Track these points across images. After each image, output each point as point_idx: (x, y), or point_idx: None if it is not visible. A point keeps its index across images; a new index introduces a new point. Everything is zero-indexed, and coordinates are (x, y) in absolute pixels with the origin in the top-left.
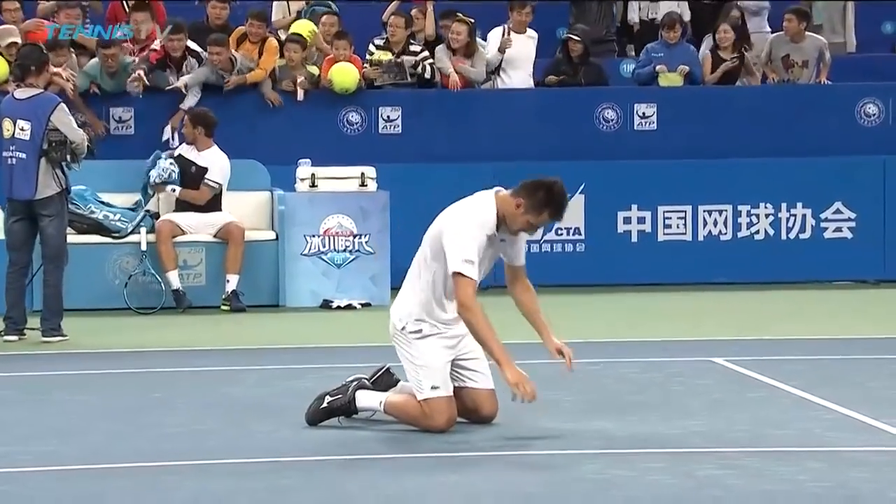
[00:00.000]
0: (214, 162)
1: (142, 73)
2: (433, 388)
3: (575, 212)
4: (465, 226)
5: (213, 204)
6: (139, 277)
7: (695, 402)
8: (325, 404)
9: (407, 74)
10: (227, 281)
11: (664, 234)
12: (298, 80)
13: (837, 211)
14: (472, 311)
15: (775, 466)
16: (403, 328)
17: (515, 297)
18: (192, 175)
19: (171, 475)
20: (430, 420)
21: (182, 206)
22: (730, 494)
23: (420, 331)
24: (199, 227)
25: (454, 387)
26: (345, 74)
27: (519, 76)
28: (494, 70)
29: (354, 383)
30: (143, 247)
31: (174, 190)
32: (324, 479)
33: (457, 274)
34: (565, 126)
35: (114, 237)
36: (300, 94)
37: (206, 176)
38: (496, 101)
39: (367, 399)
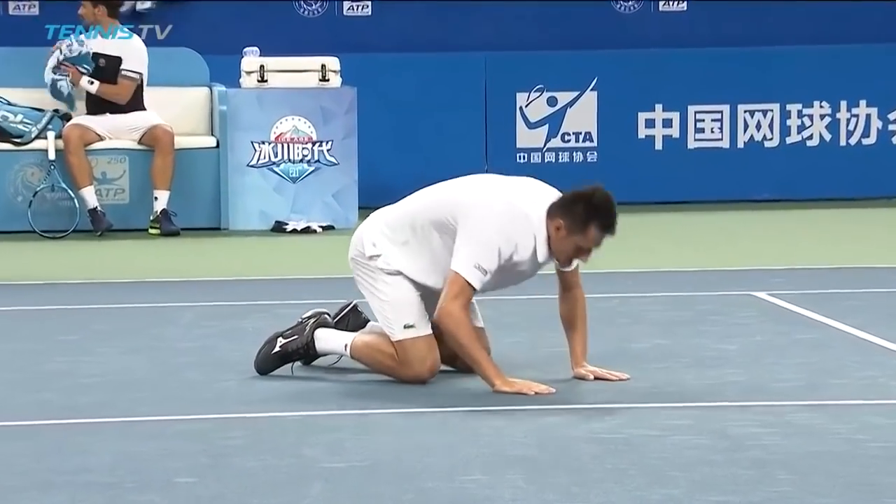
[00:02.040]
0: (127, 48)
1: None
2: (406, 326)
3: (586, 112)
4: (492, 231)
5: (135, 101)
6: (47, 193)
7: (731, 346)
8: (277, 348)
9: None
10: (156, 198)
11: (695, 139)
12: None
13: None
14: (458, 321)
15: (829, 423)
16: (373, 257)
17: (560, 305)
18: (100, 70)
19: (86, 435)
20: (407, 367)
21: (96, 106)
22: (772, 457)
23: (390, 265)
24: (118, 131)
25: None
26: None
27: None
28: None
29: (313, 321)
30: (52, 155)
31: (91, 83)
32: (277, 441)
33: (457, 275)
34: (574, 6)
35: (15, 143)
36: None
37: (123, 67)
38: None
39: (330, 340)
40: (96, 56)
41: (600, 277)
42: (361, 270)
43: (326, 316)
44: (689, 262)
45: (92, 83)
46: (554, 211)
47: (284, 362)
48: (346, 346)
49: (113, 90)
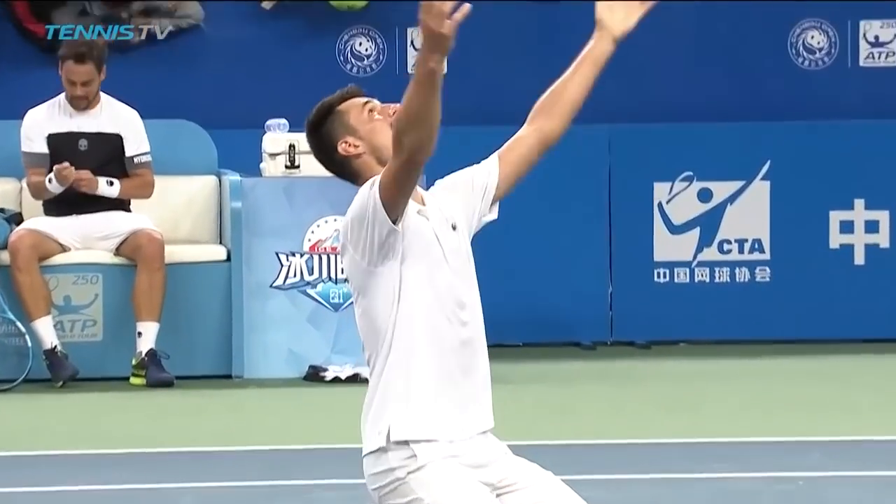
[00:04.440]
0: (125, 121)
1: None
2: None
3: (754, 211)
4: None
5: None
6: None
7: None
8: None
9: None
10: (140, 334)
11: None
12: None
13: None
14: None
15: None
16: (393, 475)
17: (546, 106)
18: (80, 155)
19: None
20: None
21: (56, 205)
22: None
23: (414, 457)
24: (87, 238)
25: None
26: None
27: None
28: None
29: None
30: None
31: (111, 183)
32: None
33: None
34: (736, 63)
35: None
36: (268, 3)
37: (132, 154)
38: None
39: None
40: (71, 137)
41: (774, 448)
42: (391, 499)
43: None
44: None
45: (112, 184)
46: (326, 145)
47: None
48: None
49: (135, 187)
